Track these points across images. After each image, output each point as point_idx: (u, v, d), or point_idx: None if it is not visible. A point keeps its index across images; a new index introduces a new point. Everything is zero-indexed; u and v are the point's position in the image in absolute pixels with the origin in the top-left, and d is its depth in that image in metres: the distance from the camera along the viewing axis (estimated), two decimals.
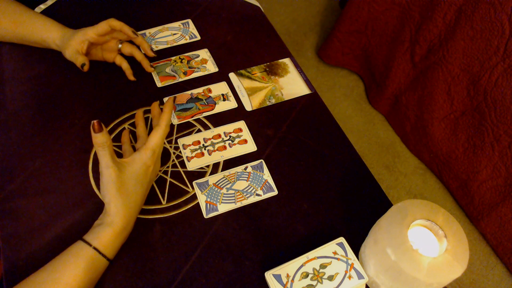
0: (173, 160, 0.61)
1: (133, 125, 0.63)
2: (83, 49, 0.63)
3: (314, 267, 0.50)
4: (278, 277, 0.49)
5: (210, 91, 0.69)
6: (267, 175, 0.60)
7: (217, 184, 0.58)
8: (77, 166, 0.58)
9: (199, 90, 0.69)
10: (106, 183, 0.49)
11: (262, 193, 0.58)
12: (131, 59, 0.69)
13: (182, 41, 0.75)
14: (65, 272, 0.44)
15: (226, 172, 0.60)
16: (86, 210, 0.54)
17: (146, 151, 0.53)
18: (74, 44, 0.63)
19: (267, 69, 0.73)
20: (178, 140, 0.63)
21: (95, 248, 0.46)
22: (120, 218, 0.48)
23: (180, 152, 0.61)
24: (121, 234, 0.49)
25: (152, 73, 0.70)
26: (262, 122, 0.66)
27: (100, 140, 0.47)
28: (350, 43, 1.50)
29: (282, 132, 0.65)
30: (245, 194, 0.58)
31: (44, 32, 0.66)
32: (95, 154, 0.60)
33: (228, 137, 0.63)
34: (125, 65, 0.68)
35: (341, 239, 0.52)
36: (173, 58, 0.72)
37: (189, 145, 0.62)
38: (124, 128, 0.63)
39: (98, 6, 0.78)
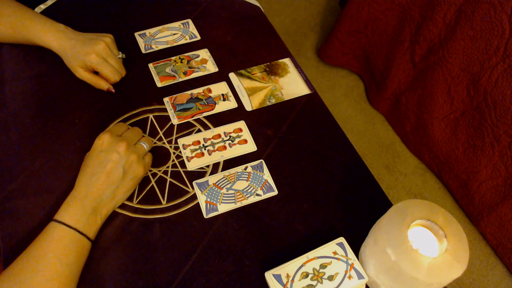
0: (173, 160, 0.61)
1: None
2: (91, 79, 0.66)
3: (314, 267, 0.50)
4: (278, 277, 0.49)
5: (210, 91, 0.69)
6: (267, 175, 0.60)
7: (217, 184, 0.58)
8: (77, 166, 0.58)
9: (199, 90, 0.69)
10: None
11: (262, 193, 0.58)
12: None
13: (182, 41, 0.75)
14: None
15: (226, 172, 0.60)
16: None
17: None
18: (81, 71, 0.65)
19: (267, 69, 0.73)
20: (178, 140, 0.63)
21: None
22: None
23: (180, 152, 0.61)
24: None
25: (152, 73, 0.70)
26: (262, 122, 0.66)
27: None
28: (350, 43, 1.50)
29: (282, 132, 0.65)
30: (245, 194, 0.58)
31: (42, 42, 0.65)
32: None
33: (228, 137, 0.63)
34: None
35: (341, 239, 0.52)
36: (173, 58, 0.72)
37: (189, 145, 0.62)
38: None
39: (98, 6, 0.78)
